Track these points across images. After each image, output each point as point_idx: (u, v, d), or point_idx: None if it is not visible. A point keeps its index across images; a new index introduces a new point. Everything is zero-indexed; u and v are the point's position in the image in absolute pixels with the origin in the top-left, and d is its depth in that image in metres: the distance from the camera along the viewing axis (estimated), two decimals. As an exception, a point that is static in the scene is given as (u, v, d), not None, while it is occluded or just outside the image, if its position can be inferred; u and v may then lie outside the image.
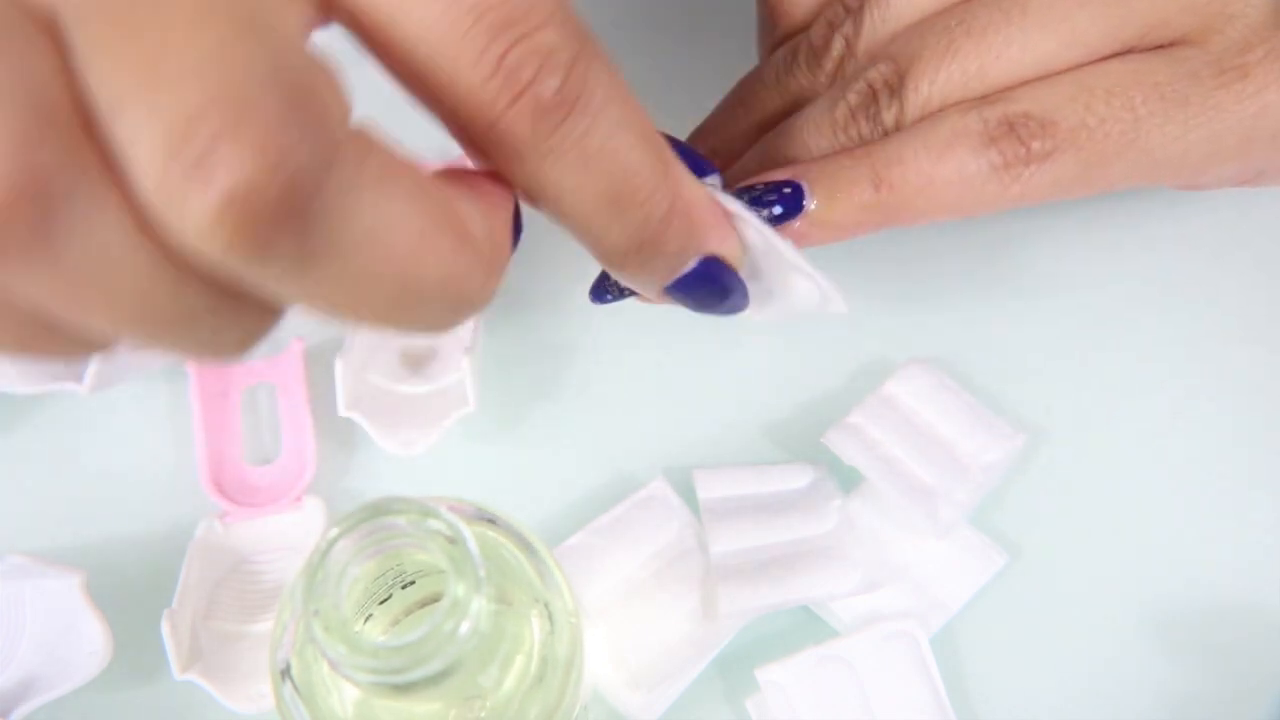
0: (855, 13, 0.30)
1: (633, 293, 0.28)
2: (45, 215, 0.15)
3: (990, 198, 0.27)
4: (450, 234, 0.18)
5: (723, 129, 0.32)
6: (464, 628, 0.20)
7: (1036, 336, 0.39)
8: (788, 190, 0.27)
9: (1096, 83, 0.27)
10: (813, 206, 0.27)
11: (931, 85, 0.27)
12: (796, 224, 0.27)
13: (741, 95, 0.33)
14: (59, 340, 0.17)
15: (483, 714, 0.23)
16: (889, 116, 0.28)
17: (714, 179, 0.25)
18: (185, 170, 0.14)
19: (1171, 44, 0.28)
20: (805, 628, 0.34)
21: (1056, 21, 0.27)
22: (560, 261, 0.40)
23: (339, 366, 0.35)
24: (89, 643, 0.31)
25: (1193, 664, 0.34)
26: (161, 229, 0.15)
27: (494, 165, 0.20)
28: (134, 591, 0.34)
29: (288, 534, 0.35)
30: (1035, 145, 0.26)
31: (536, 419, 0.38)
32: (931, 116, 0.27)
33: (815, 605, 0.34)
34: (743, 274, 0.25)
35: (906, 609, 0.33)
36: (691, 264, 0.23)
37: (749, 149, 0.31)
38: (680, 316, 0.39)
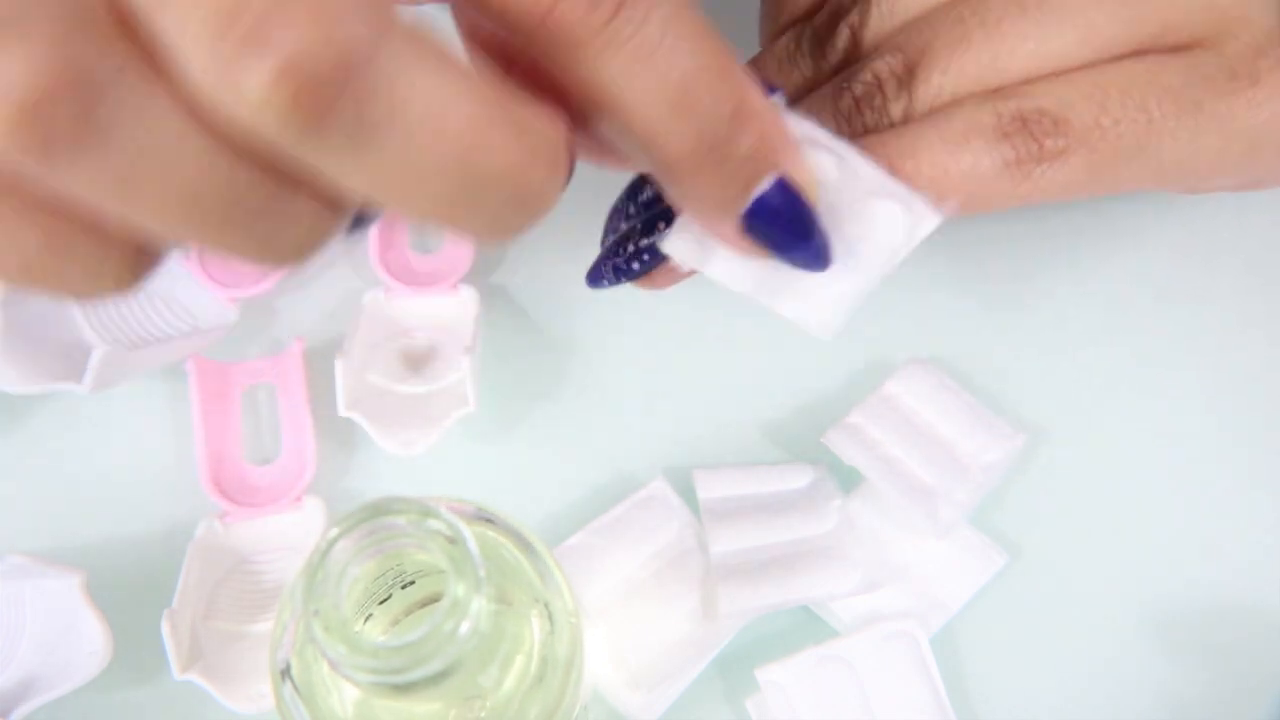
0: (862, 1, 0.29)
1: (629, 276, 0.27)
2: (89, 104, 0.15)
3: (999, 195, 0.26)
4: (508, 123, 0.17)
5: None
6: (464, 628, 0.20)
7: (1036, 336, 0.39)
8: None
9: (1112, 82, 0.26)
10: None
11: (943, 76, 0.27)
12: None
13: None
14: (110, 246, 0.17)
15: (483, 714, 0.23)
16: (896, 109, 0.27)
17: (778, 97, 0.24)
18: (236, 46, 0.15)
19: (1186, 46, 0.27)
20: (805, 628, 0.34)
21: (1073, 16, 0.27)
22: (561, 261, 0.40)
23: (339, 366, 0.35)
24: (89, 643, 0.31)
25: (1193, 664, 0.34)
26: (214, 113, 0.16)
27: (549, 67, 0.20)
28: (134, 591, 0.34)
29: (288, 534, 0.35)
30: (1049, 143, 0.26)
31: (536, 419, 0.38)
32: (944, 109, 0.27)
33: (815, 605, 0.34)
34: (820, 213, 0.24)
35: (906, 609, 0.33)
36: (767, 183, 0.22)
37: None
38: (680, 316, 0.39)
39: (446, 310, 0.38)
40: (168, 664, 0.31)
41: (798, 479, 0.35)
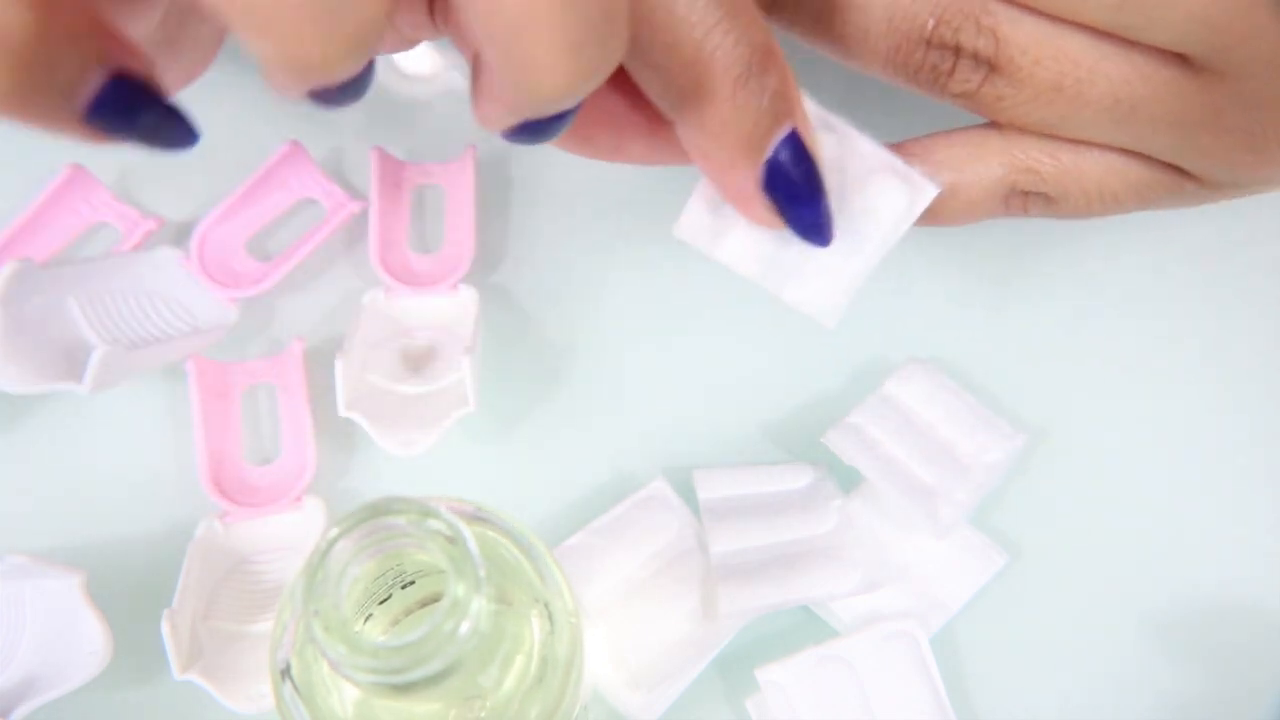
0: None
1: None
2: None
3: (987, 216, 0.28)
4: None
5: None
6: (464, 628, 0.20)
7: (1036, 336, 0.39)
8: None
9: (1115, 185, 0.28)
10: None
11: (1019, 89, 0.27)
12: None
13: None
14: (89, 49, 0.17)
15: (483, 714, 0.23)
16: (963, 86, 0.27)
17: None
18: None
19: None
20: (805, 628, 0.34)
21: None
22: (561, 261, 0.40)
23: (339, 366, 0.35)
24: (89, 643, 0.31)
25: (1193, 664, 0.34)
26: None
27: None
28: (134, 591, 0.34)
29: (288, 534, 0.35)
30: (1034, 210, 0.28)
31: (536, 419, 0.38)
32: (968, 146, 0.27)
33: (815, 605, 0.34)
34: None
35: (906, 609, 0.33)
36: (785, 129, 0.23)
37: None
38: (680, 316, 0.39)
39: (446, 310, 0.38)
40: (168, 664, 0.31)
41: (798, 479, 0.35)
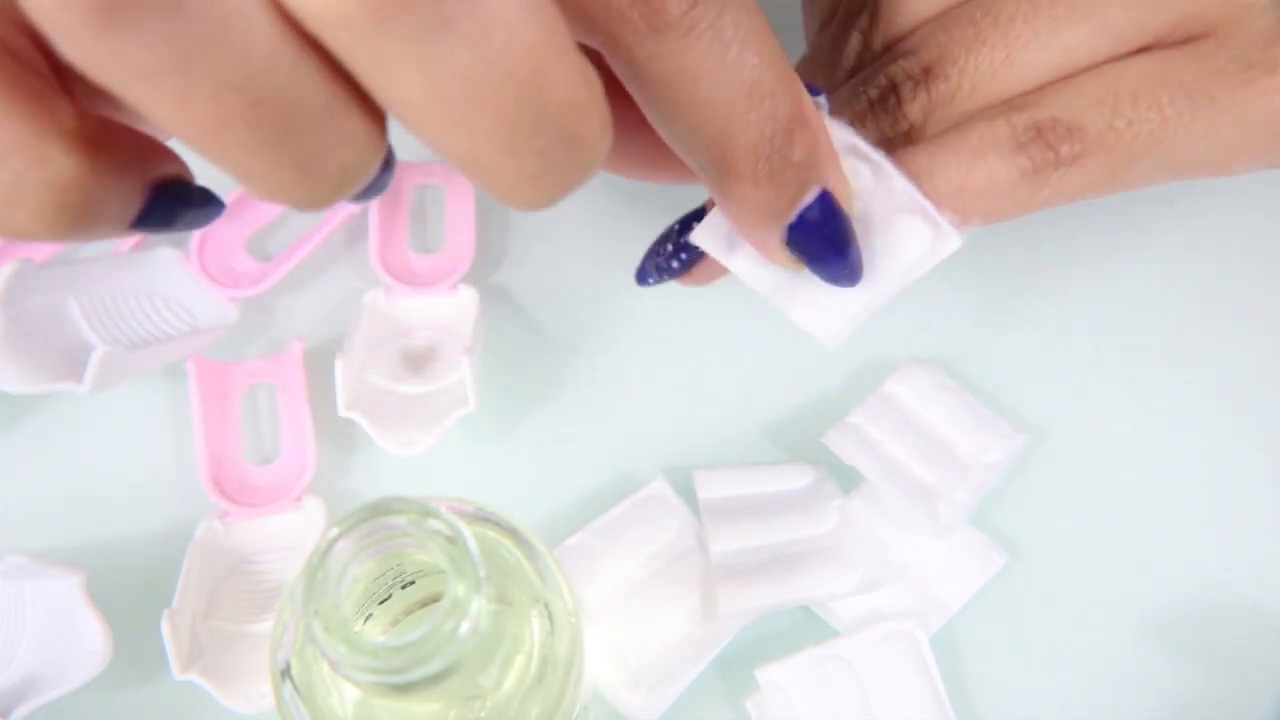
0: (871, 5, 0.30)
1: (676, 271, 0.28)
2: None
3: (1020, 202, 0.27)
4: (576, 60, 0.17)
5: None
6: (464, 628, 0.20)
7: (1036, 336, 0.39)
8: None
9: (1123, 84, 0.27)
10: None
11: (961, 75, 0.27)
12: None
13: None
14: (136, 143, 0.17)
15: (483, 714, 0.23)
16: (914, 109, 0.28)
17: (822, 99, 0.25)
18: None
19: (1195, 38, 0.27)
20: (805, 628, 0.34)
21: (1087, 11, 0.27)
22: (561, 262, 0.40)
23: (339, 366, 0.35)
24: (89, 643, 0.31)
25: (1193, 664, 0.34)
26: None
27: (612, 55, 0.20)
28: (134, 591, 0.34)
29: (288, 534, 0.35)
30: (1064, 149, 0.26)
31: (536, 419, 0.38)
32: (959, 126, 0.27)
33: (815, 605, 0.34)
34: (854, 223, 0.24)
35: (906, 609, 0.33)
36: (813, 194, 0.23)
37: None
38: (680, 316, 0.39)
39: (446, 310, 0.38)
40: (168, 664, 0.31)
41: (798, 479, 0.35)
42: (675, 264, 0.28)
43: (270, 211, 0.40)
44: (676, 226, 0.28)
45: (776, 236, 0.24)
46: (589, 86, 0.17)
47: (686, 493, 0.35)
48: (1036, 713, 0.33)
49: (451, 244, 0.39)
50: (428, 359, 0.38)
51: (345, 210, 0.39)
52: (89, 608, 0.31)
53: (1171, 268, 0.40)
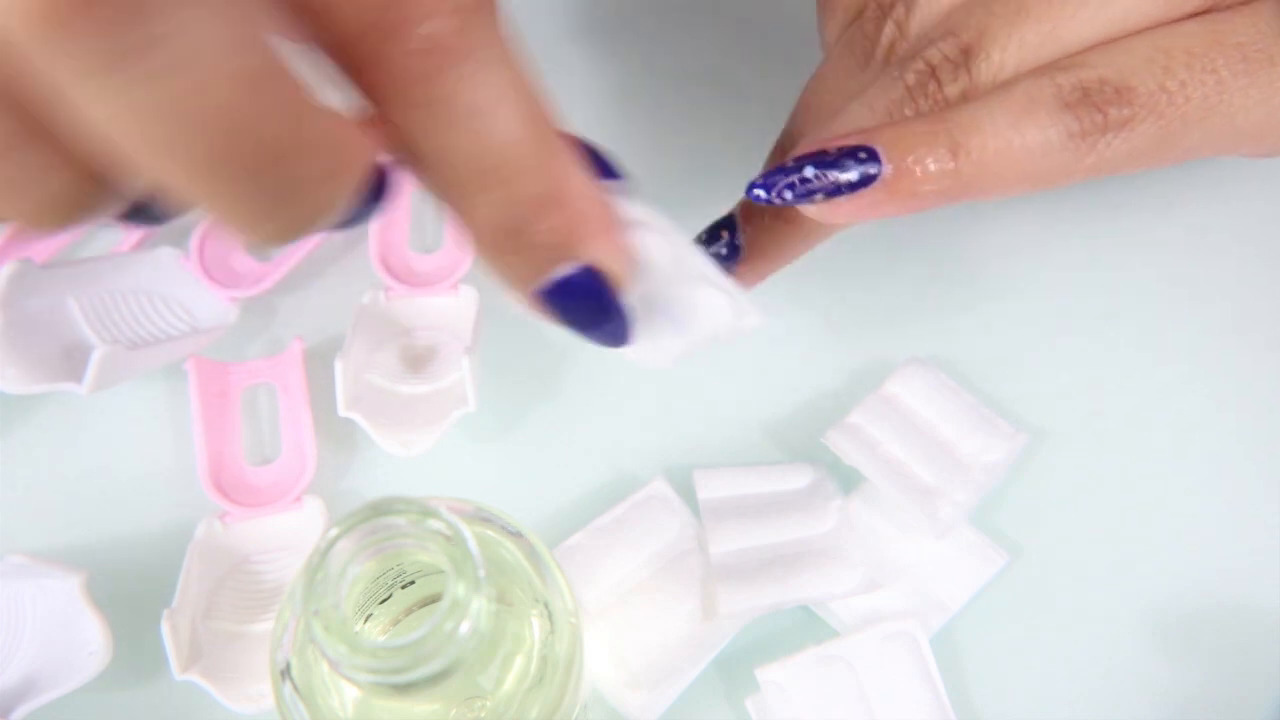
0: (898, 3, 0.28)
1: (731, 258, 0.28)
2: None
3: (1064, 168, 0.25)
4: (287, 96, 0.15)
5: (799, 141, 0.30)
6: (464, 628, 0.20)
7: (1037, 336, 0.39)
8: (863, 155, 0.25)
9: (1175, 44, 0.25)
10: (889, 172, 0.25)
11: (1004, 52, 0.26)
12: (870, 193, 0.25)
13: (807, 101, 0.31)
14: None
15: (483, 714, 0.23)
16: (953, 90, 0.26)
17: (621, 184, 0.23)
18: None
19: (1249, 1, 0.26)
20: (805, 628, 0.34)
21: None
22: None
23: (339, 366, 0.35)
24: (89, 643, 0.31)
25: (1193, 664, 0.34)
26: None
27: (367, 100, 0.18)
28: (134, 591, 0.34)
29: (288, 534, 0.35)
30: (1112, 112, 0.25)
31: (536, 419, 0.38)
32: (1003, 84, 0.26)
33: (815, 605, 0.34)
34: (633, 296, 0.22)
35: (906, 609, 0.33)
36: (566, 269, 0.21)
37: None
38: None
39: (446, 310, 0.38)
40: (168, 664, 0.31)
41: (798, 479, 0.35)
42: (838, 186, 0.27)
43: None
44: (703, 236, 0.28)
45: (523, 298, 0.22)
46: (307, 128, 0.16)
47: (686, 493, 0.35)
48: (1036, 713, 0.33)
49: (451, 244, 0.39)
50: (428, 359, 0.38)
51: (345, 210, 0.39)
52: (89, 608, 0.31)
53: (1173, 267, 0.40)
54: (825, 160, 0.26)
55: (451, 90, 0.18)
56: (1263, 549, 0.35)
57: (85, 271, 0.35)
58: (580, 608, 0.29)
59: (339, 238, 0.40)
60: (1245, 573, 0.35)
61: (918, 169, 0.25)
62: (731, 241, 0.29)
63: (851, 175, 0.25)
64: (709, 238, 0.29)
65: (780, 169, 0.26)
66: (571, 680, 0.24)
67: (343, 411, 0.35)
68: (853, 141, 0.25)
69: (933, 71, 0.26)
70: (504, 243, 0.20)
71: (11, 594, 0.32)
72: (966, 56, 0.26)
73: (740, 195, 0.28)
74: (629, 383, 0.38)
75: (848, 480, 0.35)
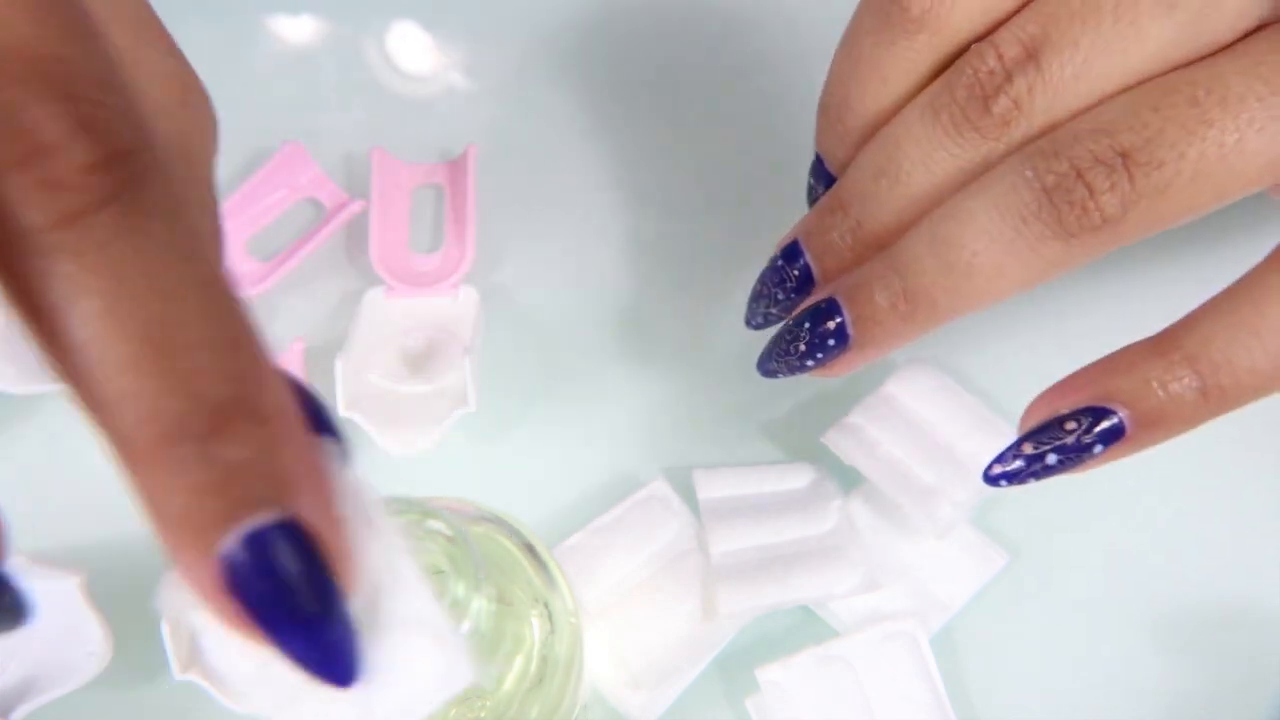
0: (1027, 61, 0.24)
1: (810, 369, 0.27)
2: None
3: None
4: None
5: (868, 200, 0.26)
6: (464, 628, 0.20)
7: (1036, 337, 0.39)
8: (1105, 418, 0.24)
9: None
10: (1133, 430, 0.25)
11: (1181, 160, 0.22)
12: (1121, 448, 0.25)
13: (879, 160, 0.26)
14: None
15: (483, 714, 0.23)
16: (1111, 203, 0.23)
17: (335, 443, 0.18)
18: None
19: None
20: (805, 628, 0.34)
21: None
22: (561, 261, 0.40)
23: (339, 366, 0.35)
24: (89, 643, 0.31)
25: (1193, 664, 0.34)
26: None
27: None
28: (134, 591, 0.34)
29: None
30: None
31: (536, 419, 0.38)
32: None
33: (815, 605, 0.34)
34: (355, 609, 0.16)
35: (906, 609, 0.33)
36: (266, 518, 0.15)
37: (907, 226, 0.26)
38: (682, 316, 0.39)
39: (446, 310, 0.38)
40: (168, 664, 0.31)
41: (798, 479, 0.35)
42: (810, 363, 0.26)
43: (270, 211, 0.40)
44: (792, 295, 0.27)
45: (207, 566, 0.16)
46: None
47: (686, 493, 0.35)
48: (1036, 713, 0.33)
49: (451, 244, 0.39)
50: (428, 359, 0.38)
51: (345, 210, 0.39)
52: (89, 608, 0.31)
53: (1175, 266, 0.40)
54: (1066, 448, 0.25)
55: (104, 236, 0.14)
56: (1263, 549, 0.35)
57: (85, 271, 0.35)
58: (580, 608, 0.29)
59: (339, 238, 0.40)
60: (1245, 573, 0.35)
61: (1172, 410, 0.24)
62: (841, 330, 0.26)
63: (1098, 450, 0.24)
64: (811, 320, 0.26)
65: (1018, 455, 0.26)
66: (571, 680, 0.24)
67: (343, 411, 0.35)
68: (1086, 401, 0.25)
69: (1079, 175, 0.23)
70: (174, 452, 0.15)
71: (11, 594, 0.32)
72: (1125, 163, 0.23)
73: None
74: (629, 383, 0.38)
75: (848, 480, 0.35)
